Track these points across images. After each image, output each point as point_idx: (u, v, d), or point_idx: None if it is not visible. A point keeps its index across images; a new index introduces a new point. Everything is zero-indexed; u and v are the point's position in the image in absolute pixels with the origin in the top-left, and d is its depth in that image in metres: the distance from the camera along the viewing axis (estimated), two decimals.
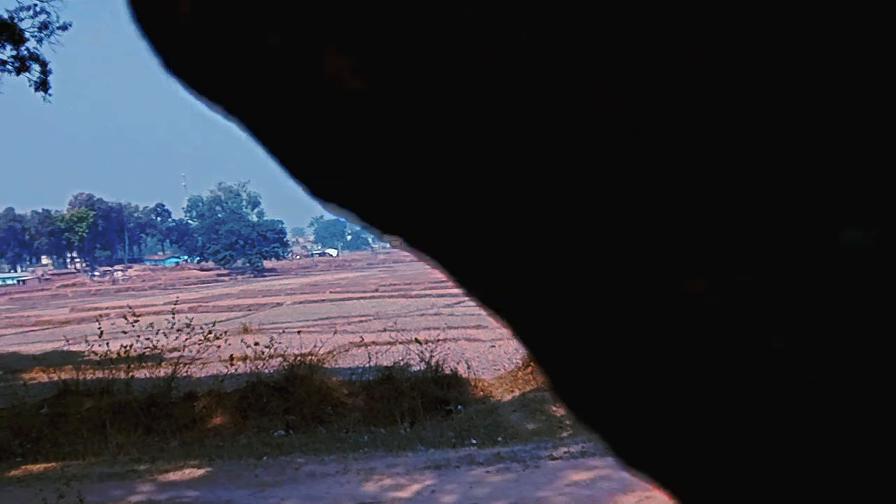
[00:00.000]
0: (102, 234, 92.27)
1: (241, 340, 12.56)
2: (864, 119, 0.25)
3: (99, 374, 11.57)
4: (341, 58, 0.28)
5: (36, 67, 15.17)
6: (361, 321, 22.41)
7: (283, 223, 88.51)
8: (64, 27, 15.83)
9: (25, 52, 15.11)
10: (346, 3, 0.28)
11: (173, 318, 11.22)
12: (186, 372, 11.13)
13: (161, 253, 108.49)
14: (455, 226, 0.30)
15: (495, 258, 0.30)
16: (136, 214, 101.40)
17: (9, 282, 75.97)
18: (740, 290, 0.27)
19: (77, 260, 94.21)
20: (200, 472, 8.31)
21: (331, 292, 38.40)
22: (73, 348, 16.38)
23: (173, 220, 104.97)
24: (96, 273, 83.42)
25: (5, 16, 14.82)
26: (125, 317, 11.61)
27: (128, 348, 11.22)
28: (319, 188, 0.31)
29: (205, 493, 7.47)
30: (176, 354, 11.34)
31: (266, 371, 10.69)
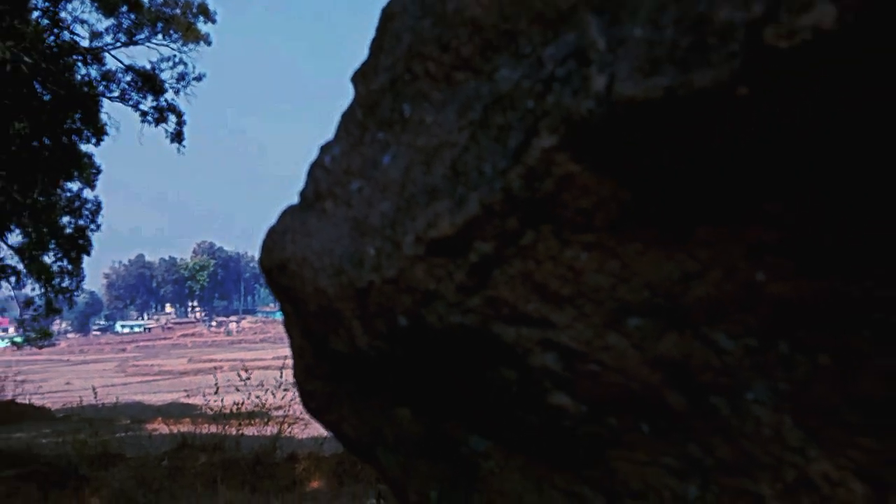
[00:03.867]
0: (221, 284, 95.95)
1: None
2: None
3: (213, 429, 12.36)
4: None
5: (172, 118, 16.26)
6: None
7: None
8: (199, 77, 16.92)
9: (164, 104, 16.26)
10: None
11: (281, 375, 11.89)
12: (290, 432, 11.72)
13: (272, 305, 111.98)
14: None
15: None
16: (251, 264, 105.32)
17: (136, 329, 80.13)
18: None
19: (197, 309, 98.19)
20: None
21: None
22: (191, 401, 17.40)
23: None
24: (213, 323, 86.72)
25: (147, 67, 16.04)
26: (239, 372, 12.40)
27: (239, 405, 11.94)
28: None
29: None
30: (281, 413, 11.99)
31: None
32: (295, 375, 0.82)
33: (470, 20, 0.65)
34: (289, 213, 0.76)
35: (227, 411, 12.47)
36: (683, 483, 0.59)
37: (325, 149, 0.78)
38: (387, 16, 0.78)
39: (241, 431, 12.32)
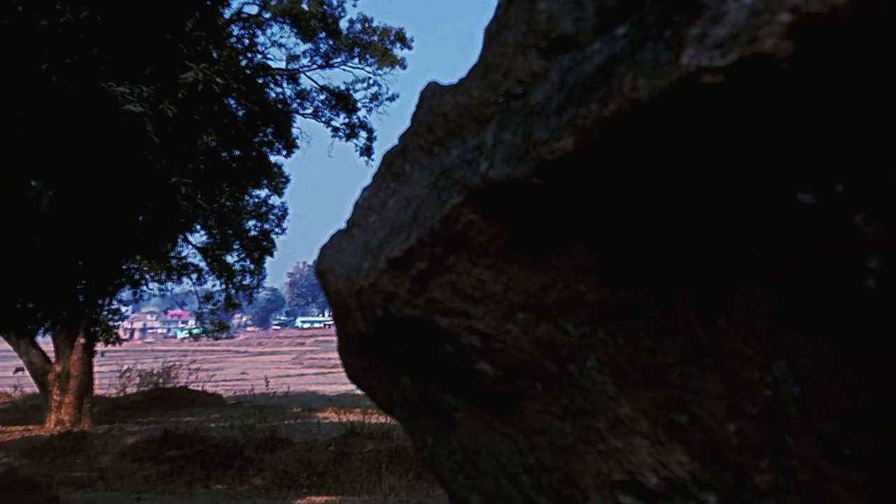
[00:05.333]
0: None
1: None
2: None
3: (382, 420, 13.19)
4: None
5: (363, 134, 17.48)
6: None
7: None
8: (392, 98, 18.09)
9: (356, 121, 17.51)
10: None
11: None
12: None
13: None
14: None
15: None
16: None
17: (315, 324, 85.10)
18: None
19: None
20: None
21: None
22: (363, 392, 18.42)
23: None
24: None
25: (343, 87, 17.32)
26: None
27: None
28: None
29: None
30: None
31: None
32: (338, 352, 1.17)
33: (443, 113, 0.98)
34: (335, 234, 1.12)
35: None
36: (563, 423, 0.89)
37: (362, 190, 1.13)
38: (419, 100, 1.11)
39: None
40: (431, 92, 1.07)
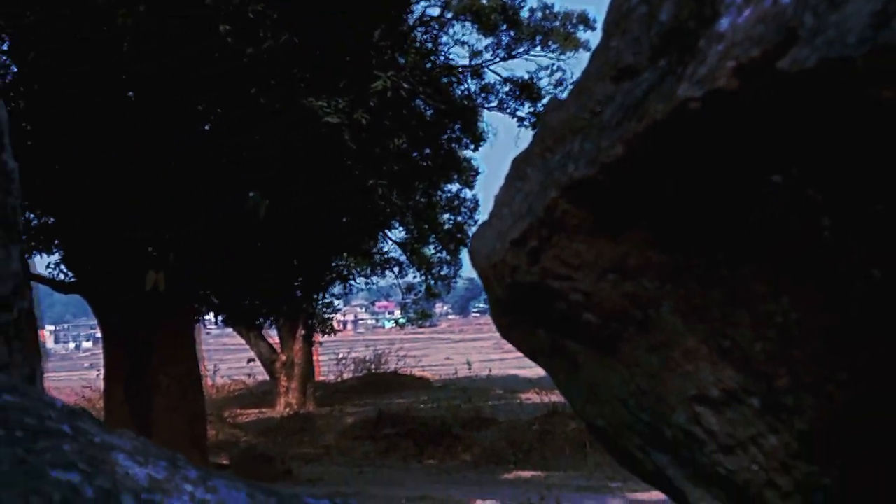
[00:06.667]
0: None
1: None
2: None
3: None
4: None
5: None
6: None
7: None
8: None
9: (541, 109, 17.86)
10: None
11: None
12: None
13: None
14: None
15: None
16: None
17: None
18: None
19: None
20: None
21: None
22: None
23: None
24: None
25: (526, 77, 17.72)
26: None
27: None
28: None
29: None
30: None
31: None
32: (491, 315, 1.51)
33: (552, 126, 1.28)
34: (481, 225, 1.45)
35: None
36: (650, 355, 1.17)
37: (500, 189, 1.46)
38: (543, 112, 1.43)
39: None
40: (550, 107, 1.38)
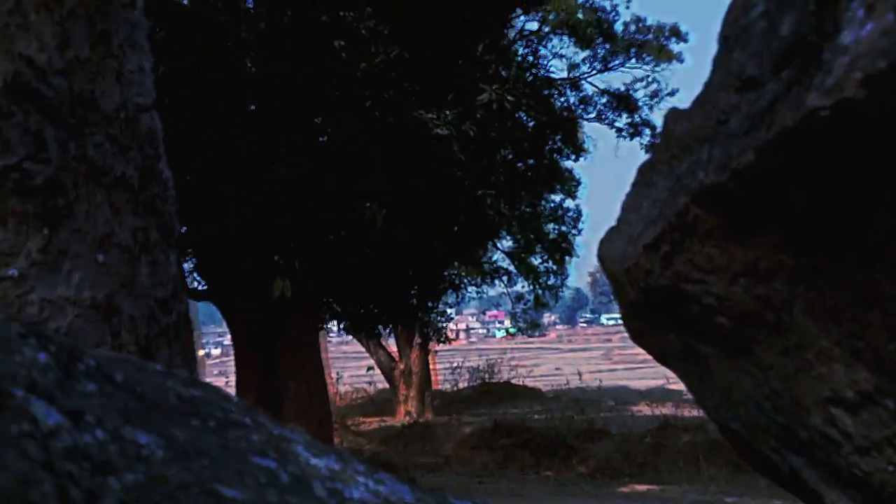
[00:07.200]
0: None
1: None
2: None
3: (695, 413, 13.21)
4: None
5: (647, 132, 17.80)
6: None
7: None
8: (672, 93, 18.24)
9: (638, 119, 17.88)
10: None
11: None
12: None
13: None
14: None
15: None
16: None
17: (620, 321, 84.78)
18: None
19: None
20: None
21: None
22: (674, 387, 18.46)
23: None
24: None
25: (622, 89, 17.82)
26: None
27: None
28: None
29: None
30: None
31: None
32: (622, 319, 1.55)
33: (676, 136, 1.33)
34: (609, 230, 1.51)
35: None
36: (784, 358, 1.20)
37: (625, 196, 1.51)
38: (663, 122, 1.47)
39: None
40: (672, 117, 1.42)
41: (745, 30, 1.18)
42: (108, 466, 0.57)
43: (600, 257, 1.48)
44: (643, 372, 29.18)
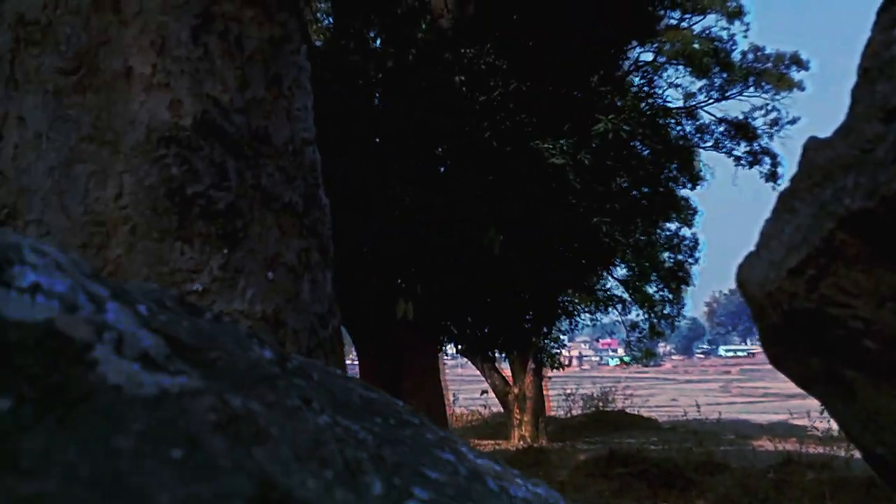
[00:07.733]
0: None
1: None
2: None
3: (820, 450, 12.59)
4: None
5: (766, 160, 17.31)
6: None
7: None
8: (793, 121, 17.73)
9: (758, 148, 17.46)
10: None
11: None
12: None
13: None
14: None
15: None
16: None
17: (739, 353, 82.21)
18: None
19: None
20: None
21: None
22: (798, 422, 17.63)
23: None
24: None
25: (741, 117, 17.48)
26: None
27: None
28: None
29: None
30: None
31: None
32: (761, 344, 1.58)
33: (818, 164, 1.36)
34: (748, 255, 1.55)
35: (836, 434, 12.47)
36: None
37: (765, 222, 1.54)
38: (802, 150, 1.51)
39: (851, 453, 12.17)
40: (811, 145, 1.46)
41: (888, 63, 1.21)
42: (344, 444, 0.68)
43: (739, 282, 1.52)
44: (764, 406, 27.99)
